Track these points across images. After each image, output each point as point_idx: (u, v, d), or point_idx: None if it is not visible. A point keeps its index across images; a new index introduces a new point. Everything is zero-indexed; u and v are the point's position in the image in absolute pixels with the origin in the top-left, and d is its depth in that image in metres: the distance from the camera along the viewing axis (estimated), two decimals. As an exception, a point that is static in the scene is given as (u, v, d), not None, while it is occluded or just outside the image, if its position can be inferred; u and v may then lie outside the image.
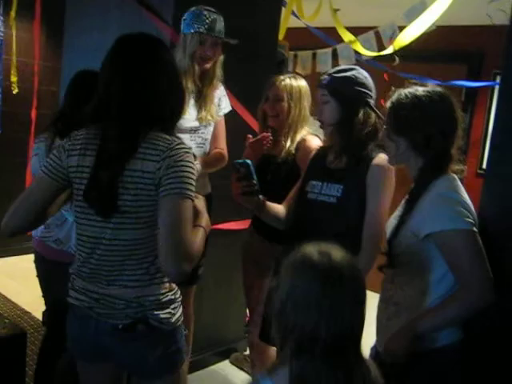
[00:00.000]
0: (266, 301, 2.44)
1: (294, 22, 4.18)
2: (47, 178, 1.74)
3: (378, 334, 1.96)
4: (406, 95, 1.83)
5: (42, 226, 2.49)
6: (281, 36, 4.31)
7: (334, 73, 2.17)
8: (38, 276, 2.61)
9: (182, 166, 1.63)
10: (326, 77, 2.18)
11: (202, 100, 2.66)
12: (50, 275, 2.55)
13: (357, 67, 2.23)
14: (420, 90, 1.82)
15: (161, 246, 1.60)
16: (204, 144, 2.75)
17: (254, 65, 3.27)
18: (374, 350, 1.99)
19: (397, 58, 4.03)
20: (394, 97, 1.86)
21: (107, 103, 1.69)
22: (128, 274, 1.71)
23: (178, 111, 1.80)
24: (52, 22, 4.68)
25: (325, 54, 4.32)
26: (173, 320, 1.77)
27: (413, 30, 2.56)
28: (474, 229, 1.71)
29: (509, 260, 1.80)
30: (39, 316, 2.81)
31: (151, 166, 1.62)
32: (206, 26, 2.51)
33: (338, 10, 4.94)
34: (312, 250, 1.31)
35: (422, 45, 3.74)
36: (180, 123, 2.10)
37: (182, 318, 1.85)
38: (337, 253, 1.30)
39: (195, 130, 2.68)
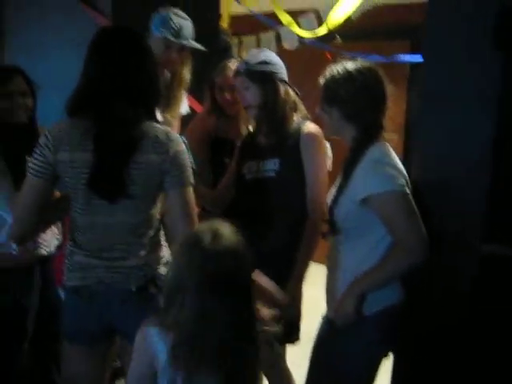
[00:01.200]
0: None
1: (235, 9, 4.23)
2: (36, 179, 1.77)
3: (328, 302, 2.03)
4: (337, 70, 1.92)
5: None
6: (225, 23, 4.35)
7: (248, 59, 2.29)
8: None
9: (183, 156, 1.81)
10: (241, 65, 2.30)
11: (171, 100, 2.67)
12: None
13: (265, 49, 2.39)
14: (350, 65, 1.92)
15: (176, 227, 1.81)
16: None
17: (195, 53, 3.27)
18: (326, 318, 2.06)
19: (338, 37, 4.11)
20: (327, 73, 1.95)
21: (92, 95, 1.74)
22: (135, 248, 1.83)
23: (158, 99, 1.90)
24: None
25: (268, 37, 4.37)
26: None
27: (342, 10, 2.62)
28: (406, 190, 1.80)
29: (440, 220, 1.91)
30: None
31: (155, 158, 1.75)
32: (173, 32, 2.50)
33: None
34: (201, 228, 1.50)
35: (363, 23, 3.82)
36: None
37: None
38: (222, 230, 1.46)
39: None
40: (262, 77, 2.26)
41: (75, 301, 1.88)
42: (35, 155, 1.78)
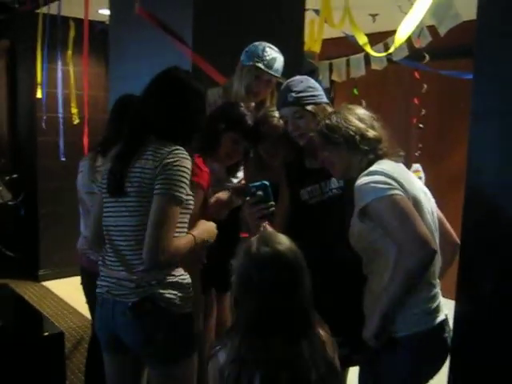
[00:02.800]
0: None
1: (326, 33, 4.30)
2: (100, 193, 2.04)
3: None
4: (329, 119, 2.01)
5: (83, 240, 2.76)
6: (317, 48, 4.42)
7: (293, 87, 2.28)
8: (81, 284, 2.84)
9: (177, 169, 1.87)
10: (289, 95, 2.27)
11: None
12: (90, 286, 2.79)
13: (305, 76, 2.37)
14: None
15: (145, 236, 1.85)
16: None
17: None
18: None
19: (427, 56, 4.04)
20: (321, 124, 2.04)
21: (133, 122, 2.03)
22: (136, 259, 1.91)
23: (187, 138, 2.02)
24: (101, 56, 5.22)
25: (357, 59, 4.41)
26: (179, 303, 1.92)
27: (405, 28, 2.61)
28: (394, 192, 1.77)
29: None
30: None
31: (150, 164, 1.88)
32: (265, 62, 2.60)
33: (376, 14, 5.02)
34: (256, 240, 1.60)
35: (453, 40, 3.73)
36: None
37: (191, 305, 1.99)
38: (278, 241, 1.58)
39: None
40: (314, 103, 2.28)
41: (98, 308, 2.04)
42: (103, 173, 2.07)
